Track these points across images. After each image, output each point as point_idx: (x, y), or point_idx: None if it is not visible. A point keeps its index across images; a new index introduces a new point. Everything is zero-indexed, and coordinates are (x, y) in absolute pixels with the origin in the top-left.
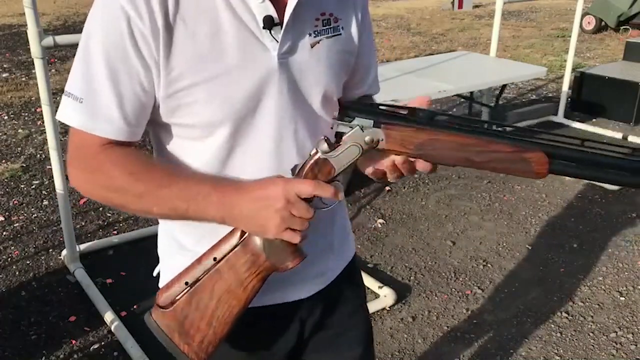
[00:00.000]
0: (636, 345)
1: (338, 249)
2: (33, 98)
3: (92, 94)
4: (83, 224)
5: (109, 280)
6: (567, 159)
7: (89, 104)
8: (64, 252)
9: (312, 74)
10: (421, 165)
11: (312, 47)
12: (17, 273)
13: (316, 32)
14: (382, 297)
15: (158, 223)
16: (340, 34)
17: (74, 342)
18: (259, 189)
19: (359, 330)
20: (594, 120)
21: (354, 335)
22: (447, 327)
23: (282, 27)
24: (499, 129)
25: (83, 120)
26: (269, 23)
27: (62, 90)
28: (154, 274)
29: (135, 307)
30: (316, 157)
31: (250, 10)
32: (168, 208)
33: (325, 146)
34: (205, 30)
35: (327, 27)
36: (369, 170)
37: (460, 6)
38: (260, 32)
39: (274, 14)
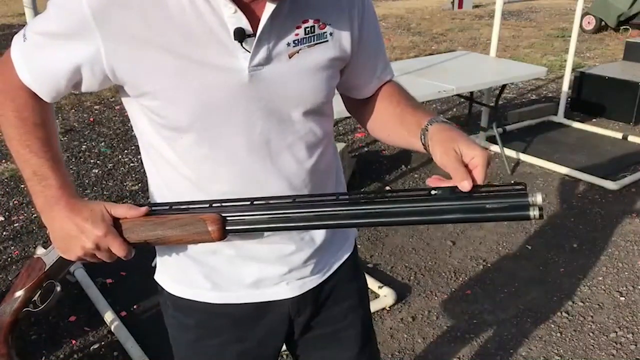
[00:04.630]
0: (636, 345)
1: (328, 248)
2: None
3: (31, 43)
4: None
5: (109, 280)
6: (240, 221)
7: (27, 48)
8: None
9: (289, 85)
10: None
11: (290, 58)
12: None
13: (296, 42)
14: (382, 297)
15: None
16: (327, 41)
17: (74, 342)
18: (83, 220)
19: (354, 329)
20: (594, 120)
21: (350, 334)
22: (447, 327)
23: (255, 38)
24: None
25: (17, 56)
26: (240, 35)
27: None
28: (153, 264)
29: (135, 307)
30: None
31: (223, 22)
32: (20, 167)
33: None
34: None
35: (310, 35)
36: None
37: (460, 6)
38: (232, 43)
39: (247, 26)
